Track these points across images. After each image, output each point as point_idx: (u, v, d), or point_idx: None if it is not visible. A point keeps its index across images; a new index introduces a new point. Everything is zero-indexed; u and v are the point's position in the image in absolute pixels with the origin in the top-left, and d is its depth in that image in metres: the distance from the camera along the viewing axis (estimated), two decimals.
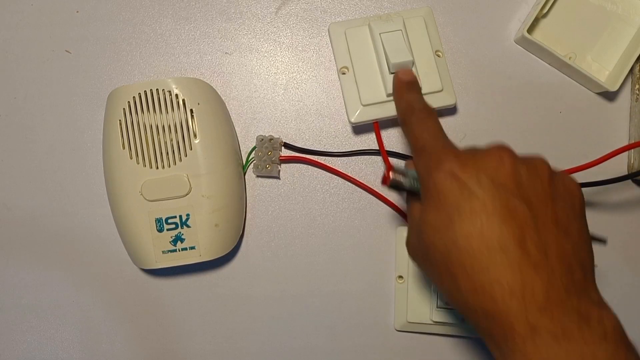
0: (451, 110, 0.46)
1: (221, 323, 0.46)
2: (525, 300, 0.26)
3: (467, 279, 0.27)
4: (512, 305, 0.26)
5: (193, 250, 0.41)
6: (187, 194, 0.41)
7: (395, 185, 0.32)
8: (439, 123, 0.32)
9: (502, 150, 0.29)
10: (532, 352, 0.25)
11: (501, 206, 0.27)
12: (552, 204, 0.28)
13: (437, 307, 0.42)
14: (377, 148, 0.45)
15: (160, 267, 0.41)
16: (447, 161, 0.29)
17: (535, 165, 0.29)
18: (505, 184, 0.28)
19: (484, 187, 0.27)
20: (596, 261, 0.46)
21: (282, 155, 0.45)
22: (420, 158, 0.31)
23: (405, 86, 0.36)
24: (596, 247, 0.46)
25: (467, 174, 0.28)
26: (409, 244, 0.32)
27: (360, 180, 0.45)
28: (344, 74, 0.44)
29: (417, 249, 0.31)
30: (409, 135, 0.33)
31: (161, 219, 0.41)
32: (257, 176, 0.46)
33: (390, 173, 0.32)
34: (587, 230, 0.30)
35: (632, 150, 0.45)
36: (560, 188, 0.29)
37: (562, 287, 0.26)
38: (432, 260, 0.29)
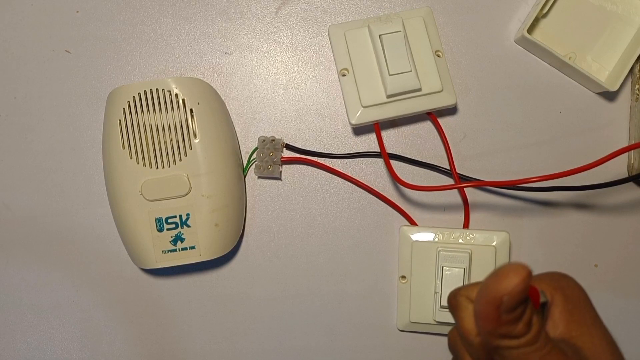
0: (451, 110, 0.46)
1: (221, 323, 0.46)
2: None
3: None
4: None
5: (193, 250, 0.41)
6: (187, 194, 0.41)
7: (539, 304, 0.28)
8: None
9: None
10: None
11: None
12: None
13: (440, 308, 0.42)
14: (378, 150, 0.45)
15: (160, 266, 0.41)
16: None
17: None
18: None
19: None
20: (597, 261, 0.46)
21: (284, 156, 0.45)
22: None
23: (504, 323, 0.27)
24: (597, 247, 0.46)
25: None
26: None
27: (361, 181, 0.45)
28: (344, 75, 0.44)
29: None
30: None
31: (161, 218, 0.41)
32: (259, 177, 0.46)
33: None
34: None
35: (632, 150, 0.45)
36: None
37: None
38: None
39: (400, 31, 0.42)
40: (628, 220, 0.46)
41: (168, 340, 0.46)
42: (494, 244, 0.43)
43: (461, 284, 0.42)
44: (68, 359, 0.47)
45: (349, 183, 0.46)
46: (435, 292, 0.43)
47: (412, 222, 0.45)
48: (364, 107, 0.43)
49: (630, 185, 0.46)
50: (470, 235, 0.43)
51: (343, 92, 0.43)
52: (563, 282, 0.30)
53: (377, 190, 0.45)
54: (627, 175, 0.45)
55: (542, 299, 0.27)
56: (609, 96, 0.46)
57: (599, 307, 0.46)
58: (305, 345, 0.46)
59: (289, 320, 0.46)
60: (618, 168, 0.46)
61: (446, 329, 0.44)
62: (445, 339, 0.45)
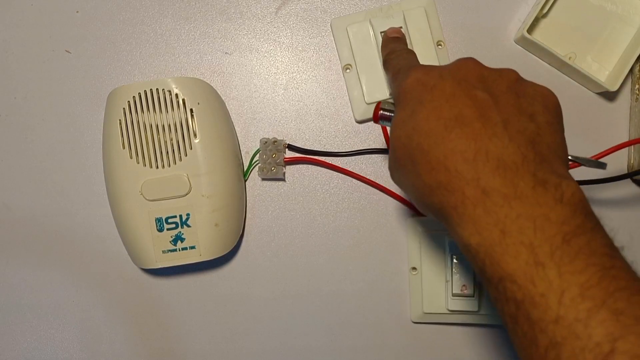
0: None
1: (221, 323, 0.46)
2: (477, 164, 0.25)
3: (425, 159, 0.27)
4: (464, 170, 0.25)
5: (193, 249, 0.41)
6: (187, 194, 0.41)
7: (385, 117, 0.33)
8: (417, 58, 0.35)
9: (467, 59, 0.30)
10: (481, 216, 0.24)
11: (461, 92, 0.27)
12: (515, 98, 0.28)
13: (452, 296, 0.43)
14: (381, 147, 0.45)
15: (160, 266, 0.41)
16: (414, 71, 0.30)
17: (502, 70, 0.29)
18: (467, 79, 0.28)
19: (445, 80, 0.28)
20: None
21: (287, 157, 0.45)
22: (395, 79, 0.32)
23: (392, 39, 0.39)
24: None
25: (430, 75, 0.29)
26: (389, 166, 0.32)
27: (366, 177, 0.45)
28: (348, 70, 0.44)
29: (391, 159, 0.30)
30: (389, 68, 0.35)
31: (161, 218, 0.41)
32: (263, 179, 0.46)
33: (381, 105, 0.33)
34: (562, 132, 0.29)
35: (632, 149, 0.45)
36: (529, 90, 0.29)
37: (520, 154, 0.25)
38: (398, 159, 0.29)
39: (400, 27, 0.42)
40: (626, 218, 0.46)
41: (168, 340, 0.46)
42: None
43: (471, 271, 0.42)
44: (68, 359, 0.47)
45: (350, 182, 0.46)
46: (447, 281, 0.43)
47: (419, 214, 0.45)
48: (368, 103, 0.43)
49: (629, 183, 0.46)
50: None
51: (347, 87, 0.44)
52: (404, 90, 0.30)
53: (382, 185, 0.45)
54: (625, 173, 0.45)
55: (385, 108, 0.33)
56: (609, 96, 0.46)
57: None
58: (308, 345, 0.46)
59: (295, 320, 0.46)
60: (618, 168, 0.45)
61: (459, 318, 0.44)
62: (459, 328, 0.45)
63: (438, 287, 0.44)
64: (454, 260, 0.42)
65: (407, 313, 0.45)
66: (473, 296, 0.42)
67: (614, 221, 0.45)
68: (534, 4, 0.46)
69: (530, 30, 0.44)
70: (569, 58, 0.45)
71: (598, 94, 0.46)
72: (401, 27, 0.42)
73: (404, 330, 0.46)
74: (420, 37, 0.43)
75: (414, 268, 0.45)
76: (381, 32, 0.42)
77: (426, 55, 0.43)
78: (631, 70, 0.45)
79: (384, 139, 0.45)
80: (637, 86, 0.45)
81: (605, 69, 0.46)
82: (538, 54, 0.46)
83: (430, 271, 0.44)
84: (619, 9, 0.46)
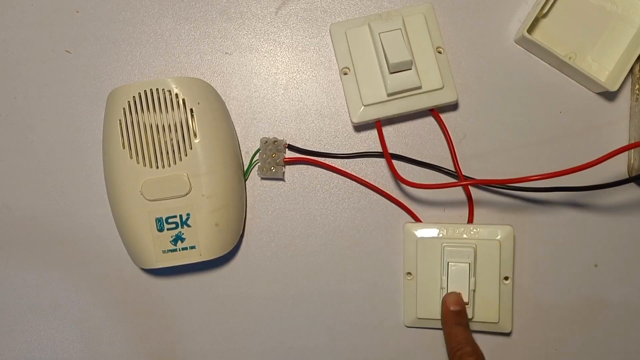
0: (452, 108, 0.46)
1: (221, 323, 0.46)
2: None
3: None
4: None
5: (193, 249, 0.41)
6: (187, 194, 0.41)
7: None
8: (482, 357, 0.37)
9: None
10: None
11: None
12: None
13: None
14: (380, 150, 0.45)
15: (160, 266, 0.41)
16: None
17: None
18: None
19: None
20: (596, 261, 0.46)
21: (287, 157, 0.45)
22: None
23: (454, 318, 0.40)
24: (597, 247, 0.46)
25: None
26: None
27: (365, 180, 0.45)
28: (345, 74, 0.44)
29: None
30: None
31: (161, 218, 0.41)
32: (262, 178, 0.46)
33: None
34: None
35: (632, 150, 0.45)
36: None
37: None
38: None
39: (399, 29, 0.42)
40: (628, 220, 0.46)
41: (168, 340, 0.46)
42: (498, 237, 0.43)
43: (467, 279, 0.42)
44: (68, 359, 0.47)
45: (349, 182, 0.46)
46: (442, 288, 0.43)
47: (417, 219, 0.45)
48: (365, 105, 0.43)
49: (631, 185, 0.46)
50: (474, 230, 0.43)
51: (344, 90, 0.44)
52: None
53: (381, 188, 0.45)
54: (627, 176, 0.45)
55: None
56: (609, 96, 0.46)
57: (597, 307, 0.46)
58: (308, 345, 0.46)
59: (293, 320, 0.46)
60: (618, 168, 0.46)
61: None
62: None
63: (432, 293, 0.44)
64: (451, 267, 0.42)
65: (401, 317, 0.46)
66: (467, 304, 0.42)
67: (620, 227, 0.46)
68: (534, 4, 0.46)
69: (530, 30, 0.44)
70: (569, 58, 0.45)
71: (598, 94, 0.46)
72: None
73: (397, 334, 0.46)
74: (419, 44, 0.43)
75: (409, 273, 0.45)
76: (379, 34, 0.42)
77: (426, 62, 0.43)
78: (631, 70, 0.45)
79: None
80: (637, 86, 0.45)
81: (605, 69, 0.46)
82: (538, 54, 0.46)
83: (425, 277, 0.44)
84: (619, 9, 0.46)
